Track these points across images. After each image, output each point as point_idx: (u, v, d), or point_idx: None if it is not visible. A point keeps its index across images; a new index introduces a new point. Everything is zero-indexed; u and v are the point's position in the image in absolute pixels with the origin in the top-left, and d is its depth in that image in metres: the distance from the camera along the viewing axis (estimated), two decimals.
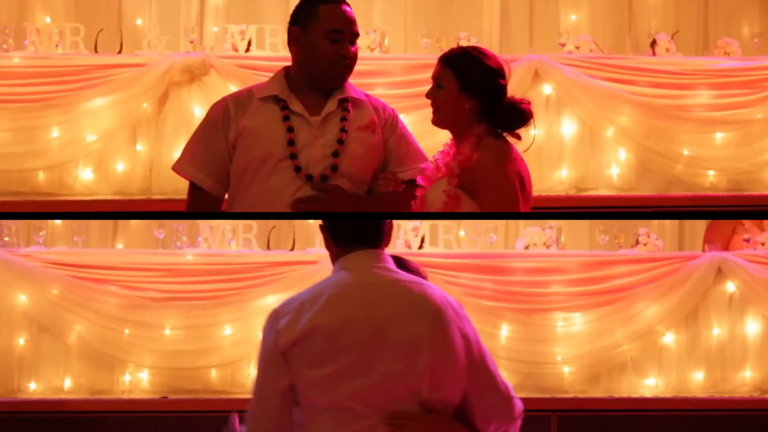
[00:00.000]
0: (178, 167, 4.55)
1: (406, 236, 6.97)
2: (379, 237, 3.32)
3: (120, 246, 7.64)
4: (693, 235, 8.03)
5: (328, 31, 4.40)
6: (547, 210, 7.02)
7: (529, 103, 4.36)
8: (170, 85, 7.09)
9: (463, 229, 7.00)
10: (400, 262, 3.74)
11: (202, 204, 4.50)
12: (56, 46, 7.18)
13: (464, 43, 7.37)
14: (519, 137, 4.35)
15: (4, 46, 7.12)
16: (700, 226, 7.80)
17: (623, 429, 6.66)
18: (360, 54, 7.09)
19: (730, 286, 6.88)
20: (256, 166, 4.36)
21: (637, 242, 7.05)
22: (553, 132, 7.34)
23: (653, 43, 7.58)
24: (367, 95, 4.55)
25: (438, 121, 4.41)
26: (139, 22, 8.09)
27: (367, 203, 4.44)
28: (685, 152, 7.37)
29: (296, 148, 4.32)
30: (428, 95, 4.40)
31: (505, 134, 4.35)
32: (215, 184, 4.45)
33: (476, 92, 4.31)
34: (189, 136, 6.92)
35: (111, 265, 6.71)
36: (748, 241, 7.07)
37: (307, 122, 4.36)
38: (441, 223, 6.91)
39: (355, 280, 3.23)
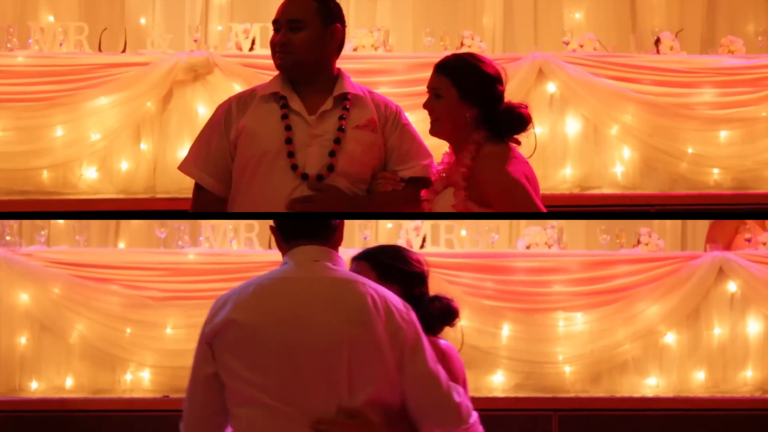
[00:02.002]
0: (183, 167, 4.58)
1: (407, 235, 6.97)
2: (325, 233, 3.30)
3: (122, 245, 7.65)
4: (695, 234, 8.01)
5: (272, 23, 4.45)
6: (550, 208, 7.00)
7: (527, 107, 4.27)
8: (174, 84, 7.10)
9: (464, 228, 6.99)
10: (400, 254, 3.73)
11: (206, 204, 4.52)
12: (60, 45, 7.19)
13: (468, 42, 7.37)
14: (518, 142, 4.28)
15: (8, 45, 7.14)
16: (702, 225, 7.77)
17: (624, 428, 6.65)
18: (364, 52, 7.26)
19: (732, 286, 6.86)
20: (254, 164, 4.35)
21: (639, 242, 7.04)
22: (557, 130, 7.34)
23: (657, 42, 7.56)
24: (370, 92, 4.51)
25: (437, 132, 4.30)
26: (143, 20, 8.09)
27: (364, 203, 4.41)
28: (690, 150, 7.37)
29: (293, 147, 4.30)
30: (426, 106, 4.29)
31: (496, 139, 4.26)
32: (218, 184, 4.45)
33: (476, 100, 4.22)
34: (193, 135, 6.93)
35: (112, 265, 6.71)
36: (749, 240, 7.05)
37: (304, 120, 4.34)
38: (442, 223, 6.90)
39: (284, 275, 3.23)
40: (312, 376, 3.10)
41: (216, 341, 3.17)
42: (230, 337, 3.15)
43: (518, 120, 4.24)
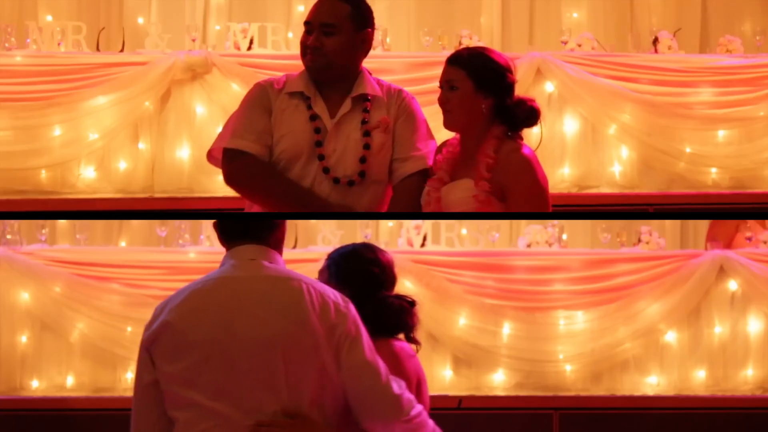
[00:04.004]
0: (216, 144, 4.43)
1: (408, 234, 6.97)
2: (263, 233, 3.27)
3: (123, 243, 7.64)
4: (695, 233, 8.03)
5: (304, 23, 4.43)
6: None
7: (534, 100, 4.30)
8: (172, 83, 7.09)
9: (465, 227, 6.99)
10: (359, 255, 3.72)
11: (251, 166, 4.35)
12: (58, 44, 7.18)
13: (466, 41, 7.38)
14: (521, 137, 4.30)
15: (7, 45, 7.12)
16: (703, 223, 7.78)
17: (625, 427, 6.65)
18: None
19: (732, 285, 6.86)
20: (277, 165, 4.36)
21: (639, 240, 7.05)
22: (555, 130, 7.33)
23: (655, 41, 7.58)
24: (388, 86, 4.47)
25: (451, 124, 4.27)
26: (141, 20, 8.09)
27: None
28: (688, 150, 7.38)
29: (323, 150, 4.30)
30: (441, 100, 4.26)
31: (510, 133, 4.26)
32: (262, 149, 4.34)
33: (491, 90, 4.21)
34: (192, 135, 7.02)
35: (113, 263, 6.70)
36: (750, 239, 7.06)
37: (323, 124, 4.33)
38: (443, 221, 6.90)
39: (219, 275, 3.21)
40: (248, 374, 3.09)
41: (153, 347, 3.16)
42: (165, 341, 3.14)
43: (531, 113, 4.26)
